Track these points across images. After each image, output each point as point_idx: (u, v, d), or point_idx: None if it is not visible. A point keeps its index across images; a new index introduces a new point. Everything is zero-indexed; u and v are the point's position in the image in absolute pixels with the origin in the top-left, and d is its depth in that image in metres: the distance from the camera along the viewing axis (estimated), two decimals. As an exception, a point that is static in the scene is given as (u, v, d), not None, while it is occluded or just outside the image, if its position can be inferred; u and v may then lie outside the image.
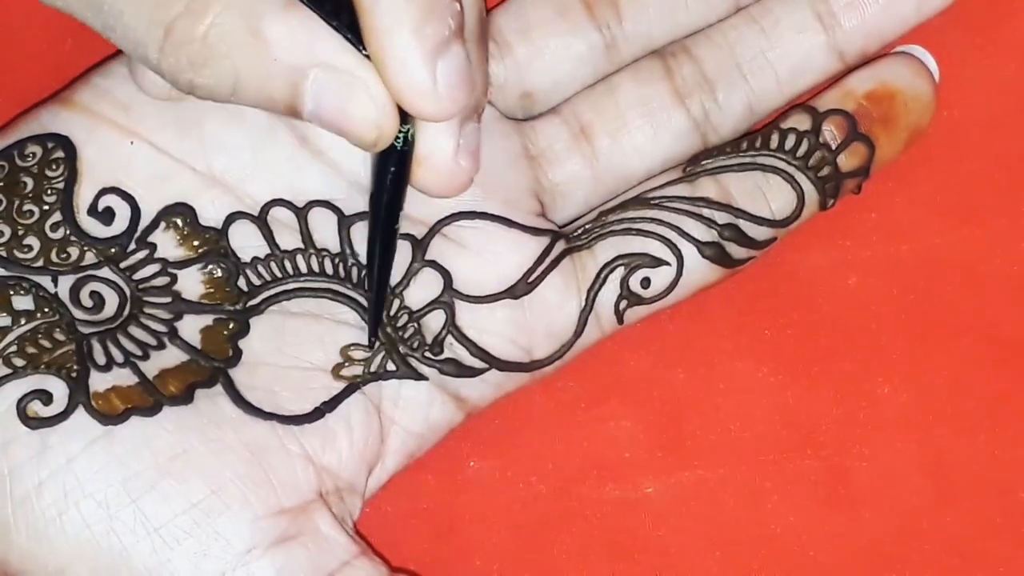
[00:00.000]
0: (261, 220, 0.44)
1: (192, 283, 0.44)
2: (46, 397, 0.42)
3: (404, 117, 0.40)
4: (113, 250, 0.43)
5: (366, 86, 0.39)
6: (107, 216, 0.43)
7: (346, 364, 0.44)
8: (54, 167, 0.43)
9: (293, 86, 0.39)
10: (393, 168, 0.42)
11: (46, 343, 0.42)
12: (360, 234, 0.44)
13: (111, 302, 0.43)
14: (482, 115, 0.44)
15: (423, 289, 0.45)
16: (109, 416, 0.42)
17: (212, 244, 0.44)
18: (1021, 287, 0.49)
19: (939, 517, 0.48)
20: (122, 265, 0.43)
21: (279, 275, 0.44)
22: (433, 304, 0.45)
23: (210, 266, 0.44)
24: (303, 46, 0.39)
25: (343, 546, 0.43)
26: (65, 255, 0.43)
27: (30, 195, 0.43)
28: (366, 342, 0.44)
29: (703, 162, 0.46)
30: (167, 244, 0.44)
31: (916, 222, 0.49)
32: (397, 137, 0.41)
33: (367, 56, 0.39)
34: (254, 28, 0.39)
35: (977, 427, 0.49)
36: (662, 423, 0.49)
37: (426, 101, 0.39)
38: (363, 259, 0.44)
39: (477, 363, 0.45)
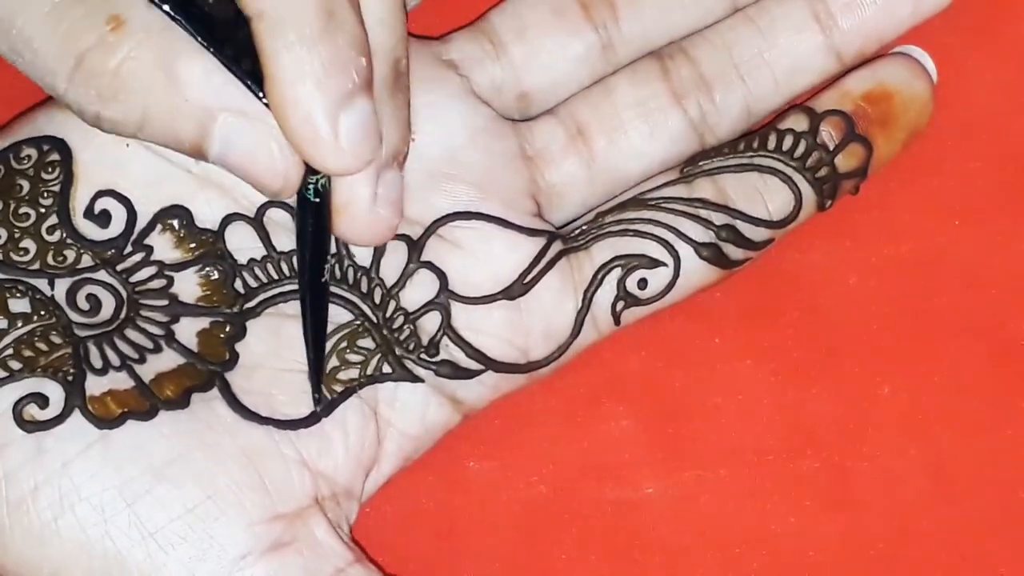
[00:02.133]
0: (257, 221, 0.44)
1: (189, 286, 0.44)
2: (42, 401, 0.42)
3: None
4: (109, 253, 0.43)
5: (275, 134, 0.39)
6: (103, 219, 0.43)
7: (342, 368, 0.44)
8: (50, 170, 0.43)
9: (201, 127, 0.39)
10: (311, 220, 0.41)
11: (42, 346, 0.42)
12: None
13: (108, 305, 0.43)
14: (404, 163, 0.43)
15: (419, 290, 0.45)
16: (105, 420, 0.42)
17: (208, 246, 0.44)
18: (1021, 287, 0.49)
19: (939, 517, 0.48)
20: (118, 268, 0.43)
21: (276, 277, 0.44)
22: (429, 305, 0.45)
23: (206, 268, 0.44)
24: (215, 88, 0.39)
25: (338, 553, 0.43)
26: (61, 258, 0.43)
27: (26, 198, 0.43)
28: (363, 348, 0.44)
29: (700, 163, 0.46)
30: (163, 246, 0.44)
31: (916, 222, 0.49)
32: (309, 188, 0.40)
33: (266, 104, 0.39)
34: (167, 66, 0.39)
35: (977, 427, 0.49)
36: (662, 423, 0.49)
37: (327, 154, 0.39)
38: (360, 260, 0.44)
39: (473, 364, 0.45)
